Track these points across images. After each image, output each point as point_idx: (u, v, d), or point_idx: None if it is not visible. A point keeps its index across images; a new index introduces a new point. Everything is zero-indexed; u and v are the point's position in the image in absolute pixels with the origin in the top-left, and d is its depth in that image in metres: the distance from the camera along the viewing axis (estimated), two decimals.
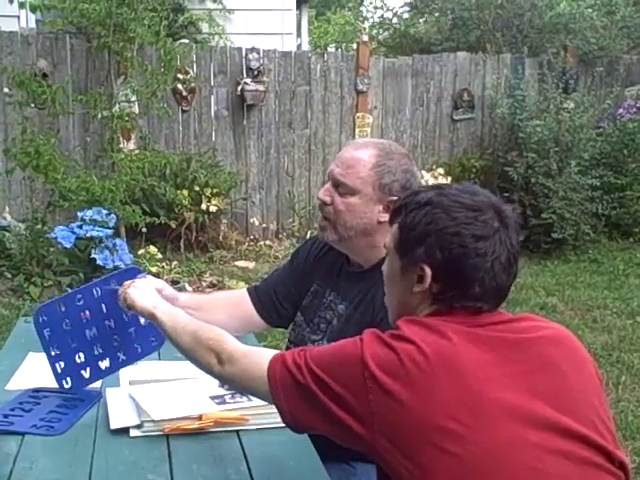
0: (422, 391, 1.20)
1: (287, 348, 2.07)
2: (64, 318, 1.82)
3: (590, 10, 8.40)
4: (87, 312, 1.84)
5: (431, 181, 6.87)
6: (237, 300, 2.15)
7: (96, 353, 1.85)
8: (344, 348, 1.30)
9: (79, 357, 1.84)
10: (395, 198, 1.83)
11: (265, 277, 2.31)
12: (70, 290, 1.85)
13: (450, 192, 1.35)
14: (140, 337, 1.90)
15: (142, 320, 1.84)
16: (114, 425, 1.65)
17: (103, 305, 1.85)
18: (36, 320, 1.81)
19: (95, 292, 1.85)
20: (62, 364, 1.83)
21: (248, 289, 2.19)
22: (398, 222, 1.38)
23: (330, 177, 1.87)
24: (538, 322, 1.37)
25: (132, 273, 1.89)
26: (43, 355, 2.10)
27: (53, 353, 1.82)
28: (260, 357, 1.40)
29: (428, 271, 1.32)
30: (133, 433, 1.63)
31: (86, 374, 1.85)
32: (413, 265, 1.34)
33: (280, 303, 2.10)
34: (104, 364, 1.86)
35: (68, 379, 1.83)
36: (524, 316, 1.40)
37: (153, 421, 1.63)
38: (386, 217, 1.89)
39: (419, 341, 1.23)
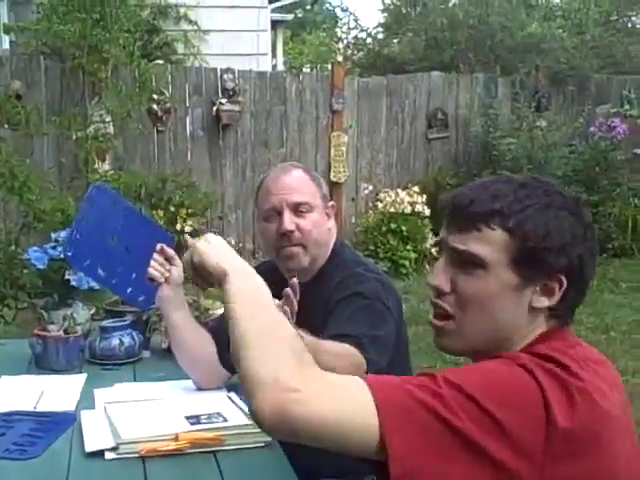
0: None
1: None
2: (107, 210, 1.89)
3: (561, 30, 8.54)
4: (121, 225, 1.90)
5: (407, 199, 6.91)
6: (211, 341, 2.01)
7: (103, 258, 1.89)
8: (506, 374, 1.06)
9: (92, 247, 1.88)
10: (332, 203, 1.98)
11: (213, 326, 2.14)
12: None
13: (553, 187, 1.19)
14: (135, 286, 1.93)
15: (146, 280, 1.91)
16: (89, 448, 1.63)
17: (134, 235, 1.92)
18: (91, 191, 1.91)
19: (137, 221, 1.95)
20: (78, 236, 1.88)
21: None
22: (507, 229, 1.13)
23: (286, 205, 1.88)
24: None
25: (164, 236, 1.99)
26: (16, 378, 2.09)
27: (82, 222, 1.89)
28: (355, 382, 1.03)
29: (565, 282, 1.14)
30: (108, 456, 1.61)
31: (86, 262, 1.90)
32: (544, 277, 1.14)
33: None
34: (101, 272, 1.90)
35: (76, 252, 1.89)
36: None
37: (127, 442, 1.61)
38: (331, 224, 1.95)
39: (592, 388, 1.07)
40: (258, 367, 1.03)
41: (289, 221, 1.87)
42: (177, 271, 1.94)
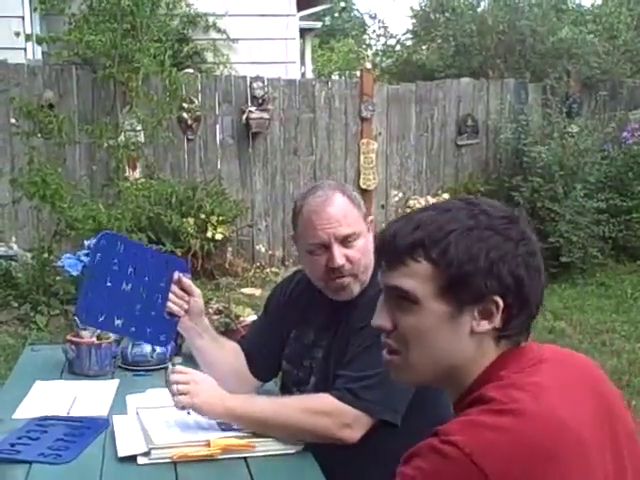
0: None
1: (281, 391, 2.03)
2: (117, 257, 1.81)
3: (592, 35, 8.45)
4: (133, 268, 1.83)
5: None
6: (239, 352, 2.05)
7: (118, 307, 1.82)
8: None
9: (106, 300, 1.81)
10: (371, 218, 1.91)
11: (245, 334, 2.21)
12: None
13: (479, 208, 1.15)
14: (155, 324, 1.88)
15: (166, 315, 1.86)
16: (122, 453, 1.64)
17: (147, 273, 1.85)
18: (98, 240, 1.83)
19: (148, 258, 1.87)
20: (90, 294, 1.81)
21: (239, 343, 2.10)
22: (431, 260, 1.11)
23: (334, 239, 1.80)
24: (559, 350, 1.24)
25: (179, 265, 1.92)
26: (49, 384, 2.10)
27: (92, 279, 1.82)
28: None
29: (501, 303, 1.11)
30: (141, 461, 1.61)
31: (101, 317, 1.82)
32: (478, 301, 1.11)
33: (266, 358, 2.02)
34: (118, 322, 1.83)
35: (89, 312, 1.81)
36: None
37: (159, 447, 1.62)
38: (371, 237, 1.86)
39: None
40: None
41: (339, 255, 1.79)
42: (196, 302, 1.90)
